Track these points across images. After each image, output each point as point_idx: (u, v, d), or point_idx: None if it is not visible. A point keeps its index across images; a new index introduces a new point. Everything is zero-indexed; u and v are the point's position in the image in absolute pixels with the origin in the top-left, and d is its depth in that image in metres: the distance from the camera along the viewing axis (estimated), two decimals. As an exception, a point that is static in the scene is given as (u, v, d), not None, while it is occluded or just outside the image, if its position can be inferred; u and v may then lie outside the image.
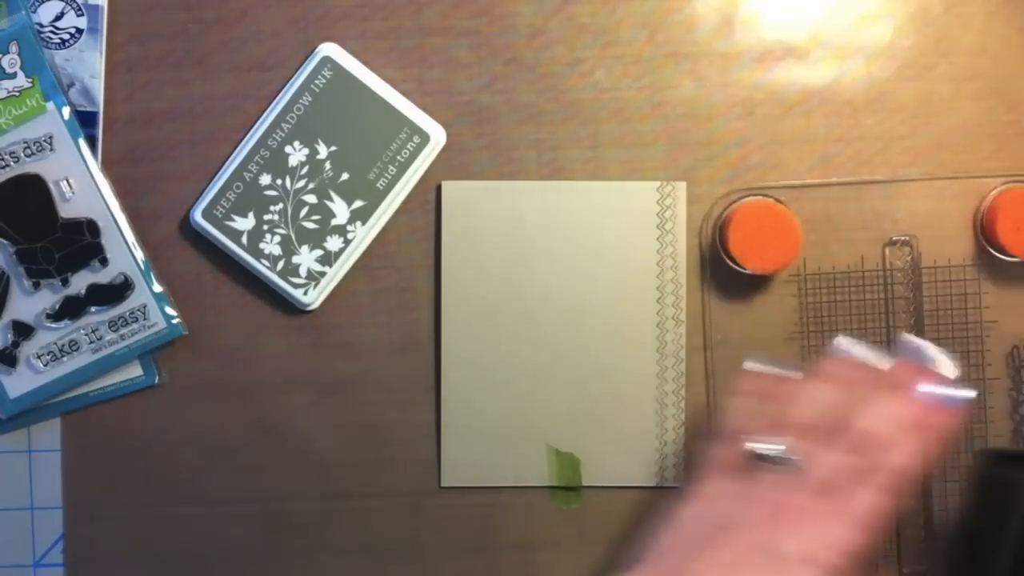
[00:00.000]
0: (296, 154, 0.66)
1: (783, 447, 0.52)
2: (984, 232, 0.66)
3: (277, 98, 0.67)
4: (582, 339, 0.67)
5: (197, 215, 0.66)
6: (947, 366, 0.54)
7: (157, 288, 0.66)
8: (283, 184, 0.66)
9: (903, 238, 0.66)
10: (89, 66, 0.66)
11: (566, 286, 0.66)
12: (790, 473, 0.51)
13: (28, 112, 0.64)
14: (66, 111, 0.65)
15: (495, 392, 0.67)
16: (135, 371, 0.67)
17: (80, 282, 0.65)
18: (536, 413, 0.67)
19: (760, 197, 0.66)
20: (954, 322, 0.67)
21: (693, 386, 0.67)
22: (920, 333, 0.66)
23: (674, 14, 0.68)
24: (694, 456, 0.67)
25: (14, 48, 0.64)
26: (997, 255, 0.66)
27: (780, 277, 0.67)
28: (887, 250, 0.67)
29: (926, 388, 0.52)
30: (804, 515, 0.50)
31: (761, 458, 0.52)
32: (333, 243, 0.66)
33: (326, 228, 0.66)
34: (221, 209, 0.66)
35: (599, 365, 0.67)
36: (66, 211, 0.65)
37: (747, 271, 0.65)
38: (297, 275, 0.66)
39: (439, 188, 0.67)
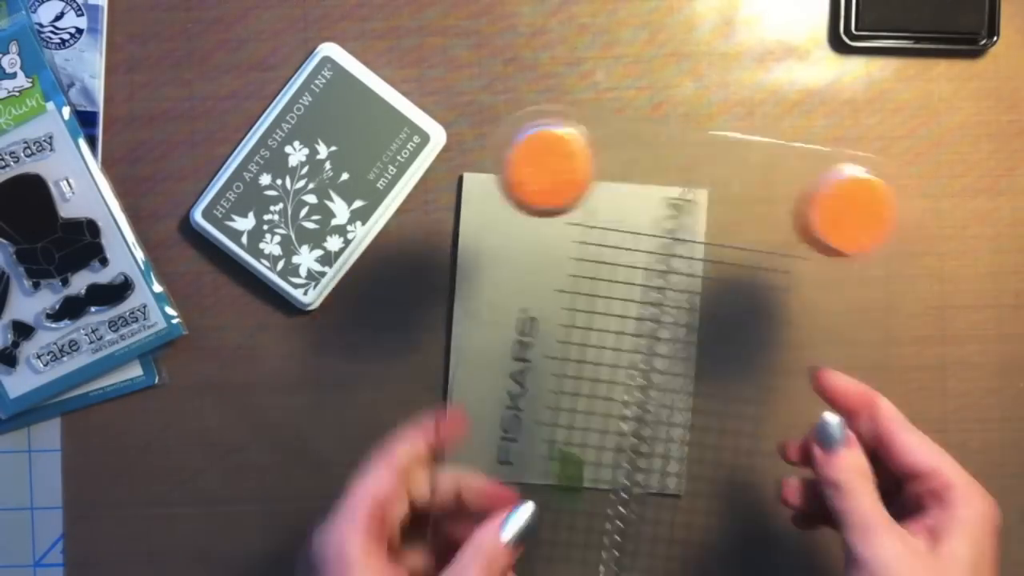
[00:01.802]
0: (296, 154, 0.66)
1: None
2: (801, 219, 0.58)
3: (277, 98, 0.67)
4: (592, 339, 0.67)
5: (197, 215, 0.66)
6: None
7: (157, 288, 0.66)
8: (283, 184, 0.66)
9: (689, 192, 0.64)
10: (89, 66, 0.66)
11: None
12: None
13: (28, 112, 0.64)
14: (66, 111, 0.65)
15: (502, 386, 0.67)
16: (135, 371, 0.67)
17: (80, 282, 0.65)
18: (543, 410, 0.67)
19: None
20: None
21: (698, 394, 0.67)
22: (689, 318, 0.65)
23: (674, 14, 0.68)
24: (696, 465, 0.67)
25: (14, 48, 0.64)
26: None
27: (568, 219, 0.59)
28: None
29: None
30: None
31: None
32: (333, 243, 0.66)
33: (326, 228, 0.66)
34: (221, 209, 0.66)
35: (607, 367, 0.67)
36: (66, 211, 0.65)
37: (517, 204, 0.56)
38: (297, 275, 0.66)
39: (460, 179, 0.67)
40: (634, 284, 0.66)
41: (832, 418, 0.55)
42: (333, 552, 0.51)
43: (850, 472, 0.53)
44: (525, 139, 0.54)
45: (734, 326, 0.67)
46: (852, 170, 0.56)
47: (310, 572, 0.51)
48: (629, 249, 0.66)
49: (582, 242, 0.64)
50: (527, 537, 0.53)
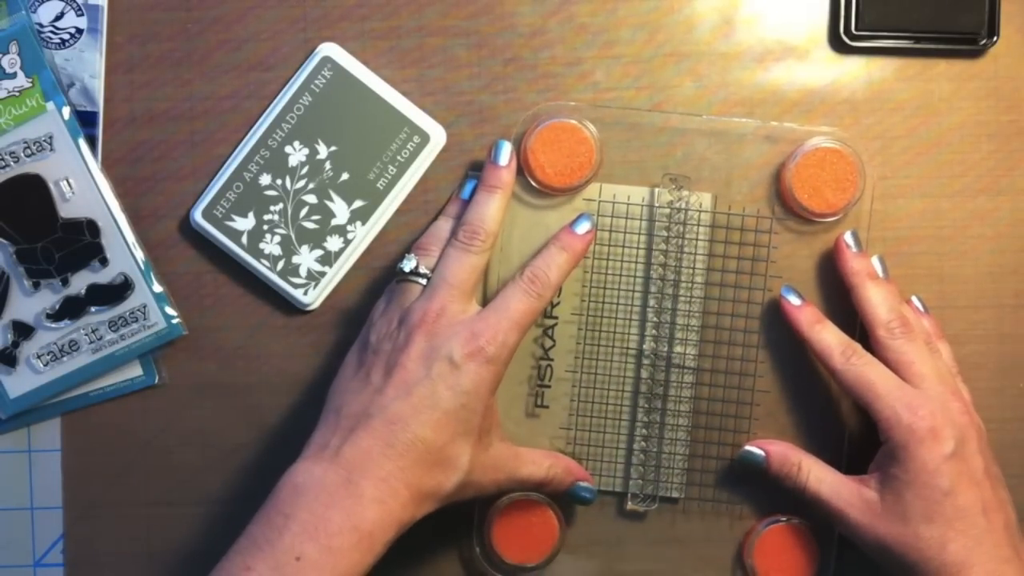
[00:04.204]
0: (296, 154, 0.66)
1: (413, 261, 0.62)
2: (781, 188, 0.66)
3: (277, 98, 0.67)
4: (592, 339, 0.67)
5: (197, 215, 0.66)
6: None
7: (157, 288, 0.66)
8: (283, 184, 0.66)
9: (680, 176, 0.66)
10: (89, 66, 0.66)
11: (581, 283, 0.66)
12: (412, 282, 0.62)
13: (28, 112, 0.64)
14: (66, 111, 0.65)
15: (501, 386, 0.66)
16: (135, 371, 0.67)
17: (80, 282, 0.65)
18: (540, 410, 0.67)
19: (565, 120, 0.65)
20: (739, 271, 0.67)
21: (697, 388, 0.67)
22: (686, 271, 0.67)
23: (674, 14, 0.68)
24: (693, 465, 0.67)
25: (14, 48, 0.64)
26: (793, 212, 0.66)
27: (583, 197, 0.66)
28: (663, 188, 0.66)
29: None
30: (438, 324, 0.59)
31: (402, 276, 0.62)
32: (333, 243, 0.66)
33: (326, 228, 0.66)
34: (221, 209, 0.66)
35: (606, 367, 0.67)
36: (66, 211, 0.65)
37: (537, 185, 0.65)
38: (297, 275, 0.66)
39: (465, 176, 0.67)
40: (640, 262, 0.67)
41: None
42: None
43: None
44: (543, 128, 0.65)
45: (734, 319, 0.67)
46: (821, 141, 0.65)
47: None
48: (634, 228, 0.67)
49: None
50: (581, 500, 0.65)
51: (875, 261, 0.65)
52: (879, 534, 0.60)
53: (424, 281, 0.62)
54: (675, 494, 0.67)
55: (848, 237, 0.65)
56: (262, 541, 0.55)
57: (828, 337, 0.63)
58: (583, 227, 0.64)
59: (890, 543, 0.60)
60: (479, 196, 0.63)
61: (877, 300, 0.63)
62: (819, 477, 0.62)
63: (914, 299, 0.66)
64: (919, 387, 0.61)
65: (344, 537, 0.55)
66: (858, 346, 0.63)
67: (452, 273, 0.61)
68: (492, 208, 0.63)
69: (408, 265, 0.62)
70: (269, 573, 0.54)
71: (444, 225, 0.64)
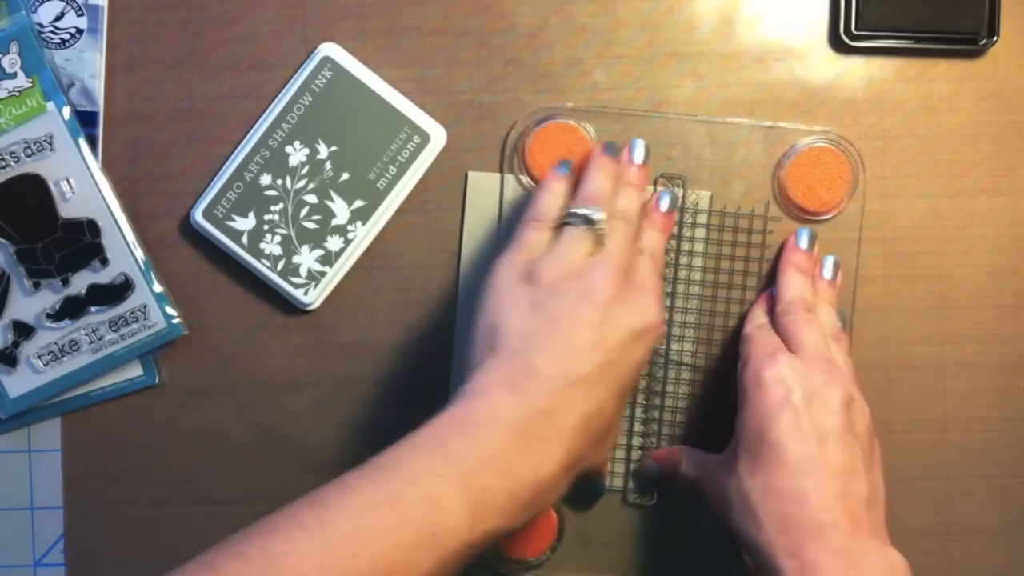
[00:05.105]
0: (296, 154, 0.66)
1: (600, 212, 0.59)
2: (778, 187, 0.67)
3: (277, 98, 0.67)
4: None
5: (197, 215, 0.66)
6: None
7: (157, 288, 0.66)
8: (283, 184, 0.66)
9: (677, 175, 0.67)
10: (89, 66, 0.66)
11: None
12: (592, 233, 0.58)
13: (28, 112, 0.64)
14: (66, 111, 0.65)
15: None
16: (135, 371, 0.67)
17: (80, 282, 0.65)
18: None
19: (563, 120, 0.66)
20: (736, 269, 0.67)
21: (691, 386, 0.67)
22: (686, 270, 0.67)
23: (674, 14, 0.68)
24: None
25: (14, 48, 0.64)
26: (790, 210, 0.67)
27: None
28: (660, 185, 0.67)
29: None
30: (624, 292, 0.57)
31: (570, 220, 0.59)
32: (333, 243, 0.66)
33: (326, 228, 0.66)
34: (221, 209, 0.66)
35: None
36: (66, 211, 0.65)
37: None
38: (297, 275, 0.66)
39: (465, 178, 0.67)
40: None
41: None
42: None
43: None
44: (541, 129, 0.66)
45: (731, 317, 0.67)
46: (814, 140, 0.66)
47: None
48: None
49: None
50: (598, 493, 0.67)
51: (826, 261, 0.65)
52: (730, 499, 0.59)
53: (590, 233, 0.59)
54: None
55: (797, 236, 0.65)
56: (454, 453, 0.52)
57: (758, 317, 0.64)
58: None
59: (733, 503, 0.58)
60: (627, 191, 0.62)
61: (789, 284, 0.64)
62: (690, 460, 0.64)
63: (828, 264, 0.65)
64: (797, 354, 0.60)
65: (526, 490, 0.53)
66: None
67: (622, 248, 0.59)
68: (637, 204, 0.62)
69: (597, 215, 0.59)
70: (456, 491, 0.51)
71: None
